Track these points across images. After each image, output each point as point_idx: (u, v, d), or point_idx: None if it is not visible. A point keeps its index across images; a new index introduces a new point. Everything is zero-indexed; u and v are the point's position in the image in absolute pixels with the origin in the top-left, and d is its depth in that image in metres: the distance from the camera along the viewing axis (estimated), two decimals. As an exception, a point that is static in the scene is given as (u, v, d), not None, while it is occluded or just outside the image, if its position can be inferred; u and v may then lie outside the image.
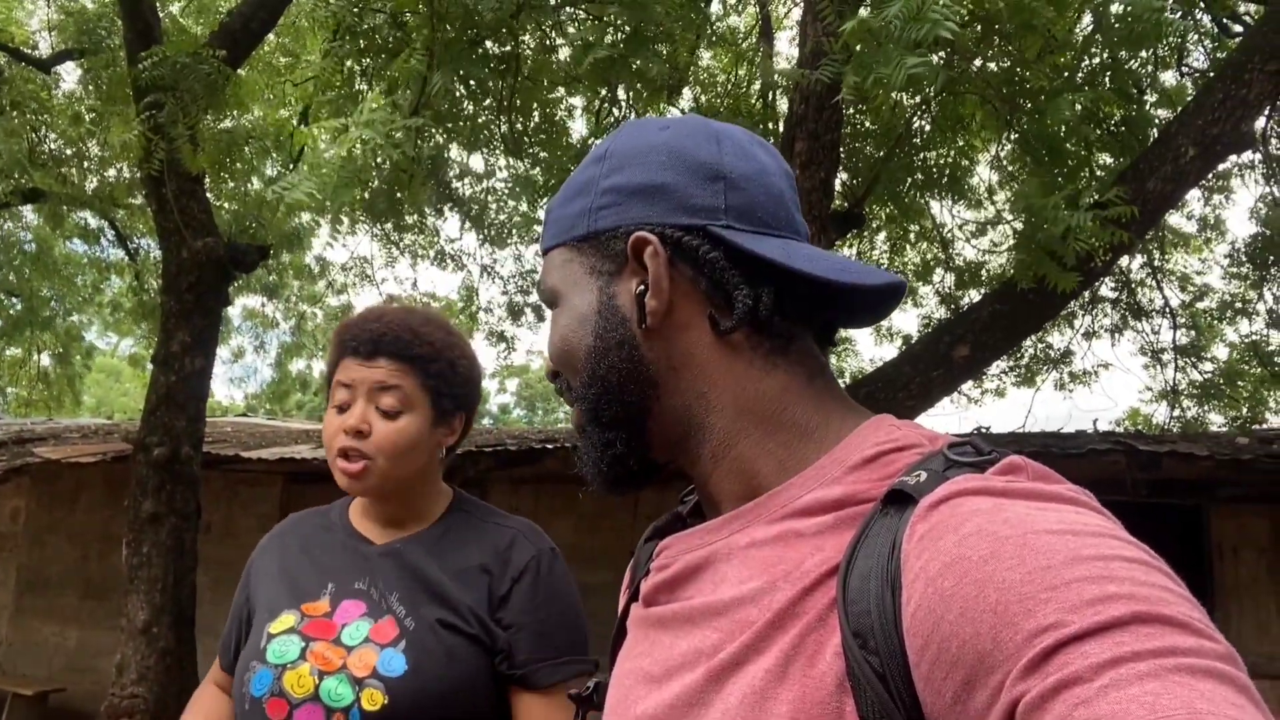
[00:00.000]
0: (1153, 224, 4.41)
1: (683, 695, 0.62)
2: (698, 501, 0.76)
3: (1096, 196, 4.12)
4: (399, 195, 4.72)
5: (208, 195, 6.02)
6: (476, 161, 6.40)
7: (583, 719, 0.84)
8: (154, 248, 9.44)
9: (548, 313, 0.75)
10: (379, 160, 3.04)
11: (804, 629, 0.57)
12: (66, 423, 10.23)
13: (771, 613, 0.59)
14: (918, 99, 5.81)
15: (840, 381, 0.81)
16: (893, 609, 0.52)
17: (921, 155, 6.26)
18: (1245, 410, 8.06)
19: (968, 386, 7.60)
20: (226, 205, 7.98)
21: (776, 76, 5.16)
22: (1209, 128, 3.69)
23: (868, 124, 6.00)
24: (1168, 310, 7.44)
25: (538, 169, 6.45)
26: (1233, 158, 5.53)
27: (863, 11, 2.82)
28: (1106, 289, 7.33)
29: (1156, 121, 4.85)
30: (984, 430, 5.06)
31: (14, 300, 11.20)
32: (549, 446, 5.46)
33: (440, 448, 1.42)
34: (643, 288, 0.66)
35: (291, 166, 5.98)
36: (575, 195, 0.72)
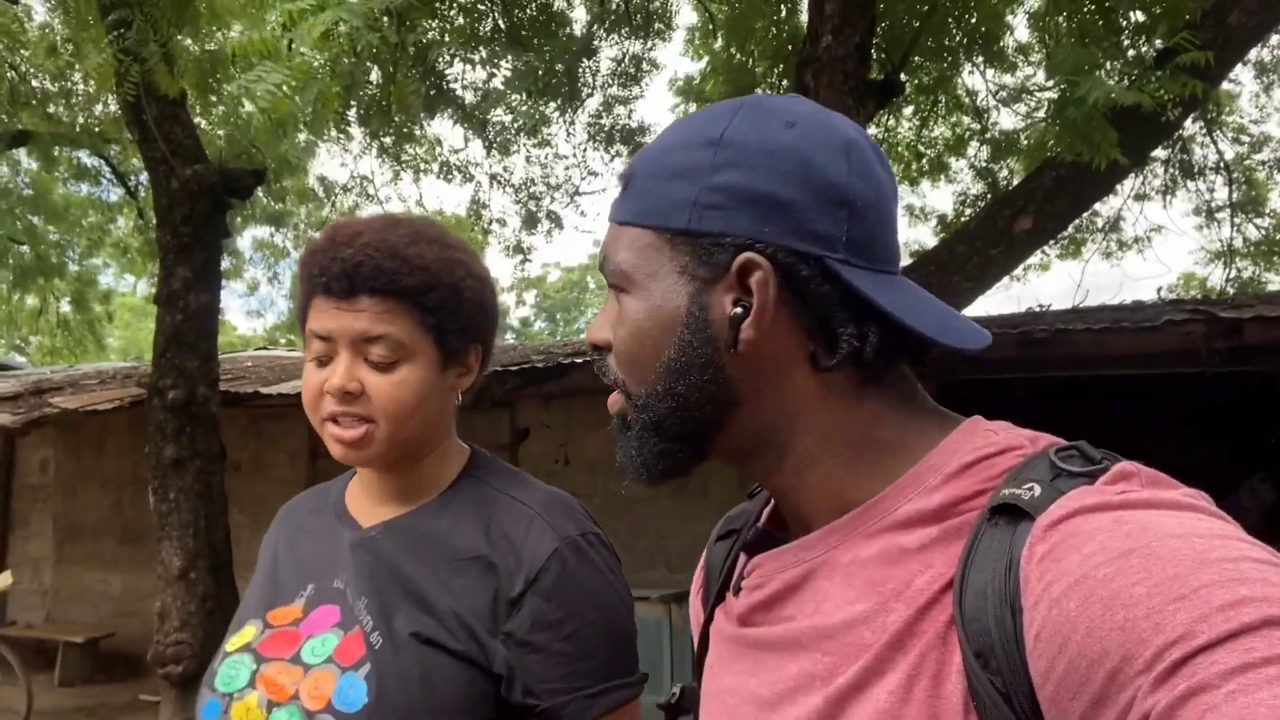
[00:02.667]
0: (1235, 64, 3.96)
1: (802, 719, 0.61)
2: (773, 504, 0.74)
3: (1160, 44, 3.68)
4: (387, 99, 4.33)
5: (194, 121, 5.67)
6: (474, 70, 5.98)
7: None
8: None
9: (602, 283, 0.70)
10: (358, 49, 2.68)
11: (924, 648, 0.56)
12: (85, 369, 10.11)
13: (889, 634, 0.58)
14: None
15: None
16: (1014, 630, 0.52)
17: (955, 16, 5.74)
18: (1304, 267, 7.65)
19: (1009, 263, 7.21)
20: (220, 132, 7.62)
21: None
22: (1303, -55, 3.22)
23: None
24: (1222, 165, 6.95)
25: (539, 65, 6.00)
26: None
27: None
28: (1156, 149, 6.85)
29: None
30: (1043, 308, 4.74)
31: (22, 249, 10.96)
32: (577, 361, 5.20)
33: (455, 393, 1.11)
34: (739, 310, 0.61)
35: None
36: (675, 176, 0.64)
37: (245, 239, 12.81)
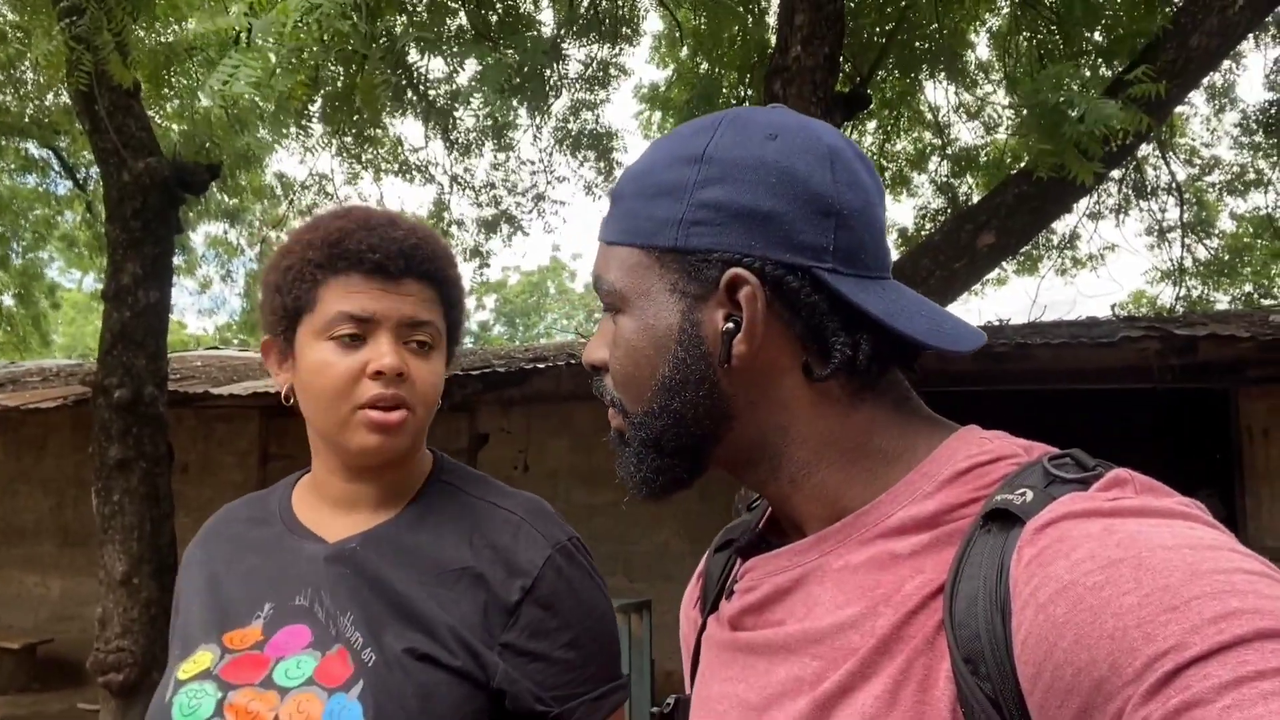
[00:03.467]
0: (1196, 84, 4.03)
1: None
2: (770, 512, 0.74)
3: (1118, 74, 3.74)
4: (351, 94, 4.24)
5: (148, 113, 5.52)
6: (437, 63, 5.90)
7: None
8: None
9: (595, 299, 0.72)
10: (326, 36, 2.61)
11: (912, 653, 0.56)
12: (28, 365, 9.81)
13: (876, 638, 0.58)
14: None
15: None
16: (1003, 634, 0.52)
17: (920, 32, 5.80)
18: (1250, 287, 7.85)
19: (968, 277, 7.28)
20: (175, 126, 7.44)
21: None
22: (1262, -29, 3.29)
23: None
24: (1174, 186, 7.11)
25: (508, 63, 5.94)
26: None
27: None
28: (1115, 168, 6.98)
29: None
30: (1002, 323, 4.79)
31: (-35, 241, 10.62)
32: (539, 366, 5.15)
33: None
34: (731, 325, 0.62)
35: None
36: (660, 194, 0.64)
37: (198, 235, 12.57)
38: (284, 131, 7.17)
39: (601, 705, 0.98)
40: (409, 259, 0.98)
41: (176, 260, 6.87)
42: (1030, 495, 0.55)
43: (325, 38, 2.60)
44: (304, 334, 1.00)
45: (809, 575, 0.64)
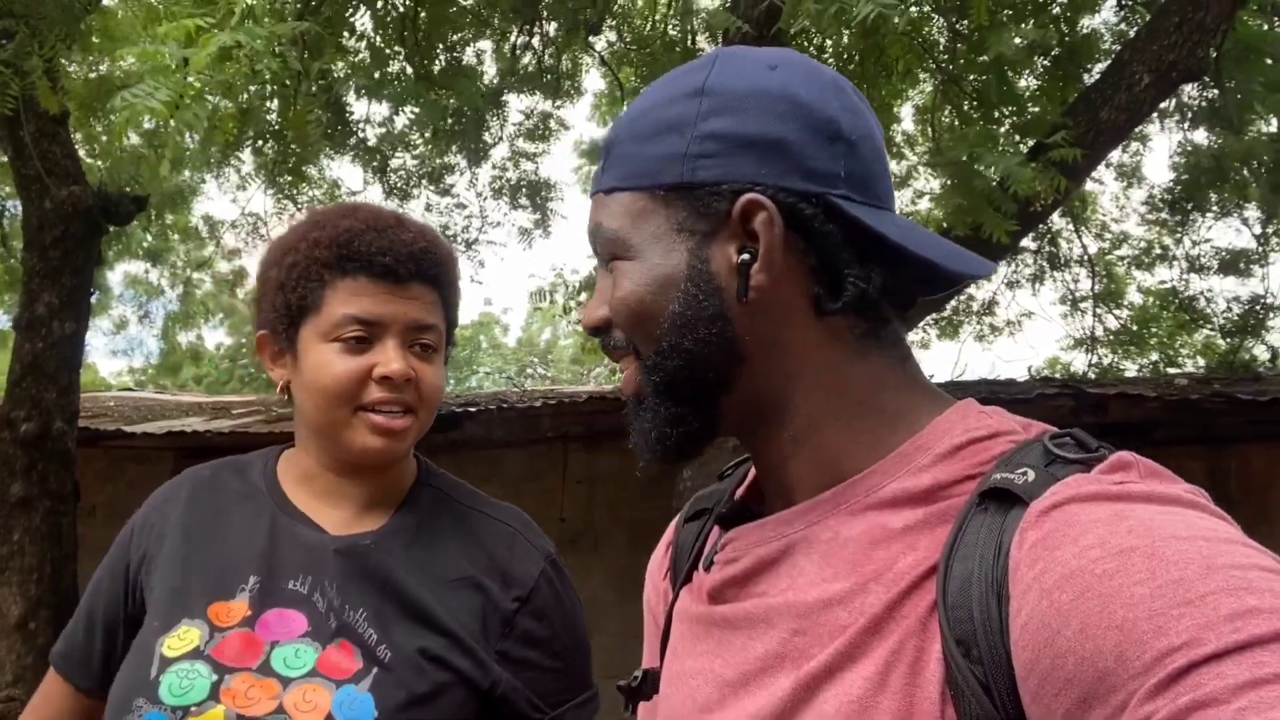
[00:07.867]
0: (1104, 157, 4.29)
1: (769, 705, 0.58)
2: (750, 480, 0.72)
3: (1037, 140, 3.95)
4: (285, 131, 4.21)
5: (74, 143, 5.40)
6: (375, 105, 5.90)
7: (632, 711, 0.76)
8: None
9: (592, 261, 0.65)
10: (256, 70, 2.59)
11: (904, 635, 0.54)
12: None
13: (866, 617, 0.55)
14: (844, 41, 5.57)
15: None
16: (999, 618, 0.50)
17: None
18: (1157, 356, 8.22)
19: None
20: (101, 162, 7.27)
21: (704, 20, 4.86)
22: (1165, 54, 3.54)
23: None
24: (1086, 259, 7.46)
25: (446, 104, 5.99)
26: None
27: None
28: (1027, 239, 7.32)
29: (1104, 47, 4.69)
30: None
31: None
32: (470, 410, 5.10)
33: None
34: (746, 256, 0.60)
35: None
36: (661, 132, 0.62)
37: (116, 274, 12.18)
38: (213, 164, 7.07)
39: (583, 711, 1.02)
40: (418, 263, 0.99)
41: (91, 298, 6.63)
42: (1032, 475, 0.53)
43: (254, 71, 2.59)
44: (308, 334, 0.99)
45: (795, 547, 0.62)
